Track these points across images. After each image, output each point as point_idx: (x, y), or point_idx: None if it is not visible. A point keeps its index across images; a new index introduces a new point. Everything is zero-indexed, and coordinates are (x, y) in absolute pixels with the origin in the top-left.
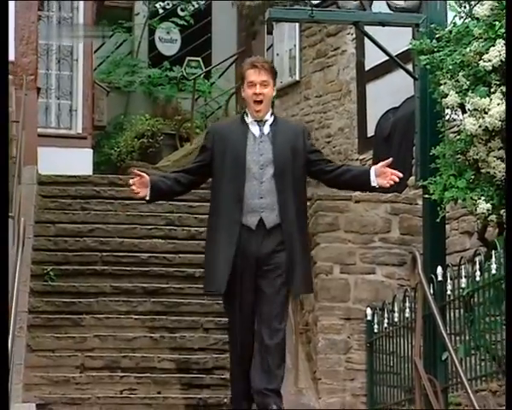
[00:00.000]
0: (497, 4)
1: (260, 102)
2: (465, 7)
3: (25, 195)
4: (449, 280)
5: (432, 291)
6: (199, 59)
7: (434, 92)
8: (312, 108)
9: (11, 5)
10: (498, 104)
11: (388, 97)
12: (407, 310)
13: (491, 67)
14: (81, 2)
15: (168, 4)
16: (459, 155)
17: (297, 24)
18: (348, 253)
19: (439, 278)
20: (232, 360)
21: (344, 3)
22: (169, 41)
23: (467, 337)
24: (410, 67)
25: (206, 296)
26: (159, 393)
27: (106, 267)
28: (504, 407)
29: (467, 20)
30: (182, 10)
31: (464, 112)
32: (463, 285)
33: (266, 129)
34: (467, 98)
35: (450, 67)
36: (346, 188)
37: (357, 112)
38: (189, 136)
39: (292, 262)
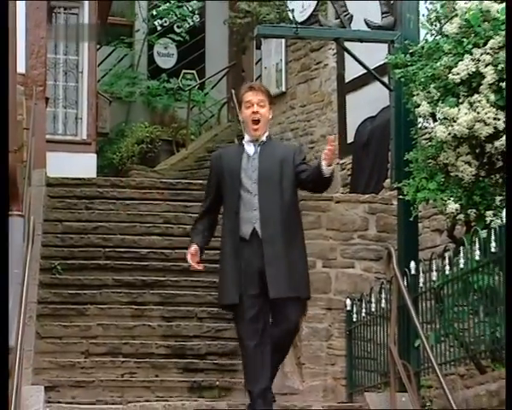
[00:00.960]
0: (464, 23)
1: (258, 121)
2: (436, 25)
3: (34, 195)
4: (421, 274)
5: (405, 284)
6: (193, 72)
7: (408, 102)
8: (297, 117)
9: (22, 22)
10: (466, 113)
11: (366, 107)
12: (383, 301)
13: (459, 80)
14: (86, 19)
15: (166, 22)
16: (430, 160)
17: (283, 40)
18: (330, 249)
19: (412, 272)
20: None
21: (326, 21)
22: (166, 55)
23: (437, 326)
24: (385, 79)
25: (201, 288)
26: (156, 376)
27: (108, 262)
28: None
29: (437, 37)
30: (178, 27)
31: (435, 120)
32: (434, 278)
33: (259, 149)
34: (437, 108)
35: (423, 79)
36: (319, 187)
37: (338, 120)
38: (184, 142)
39: (280, 267)
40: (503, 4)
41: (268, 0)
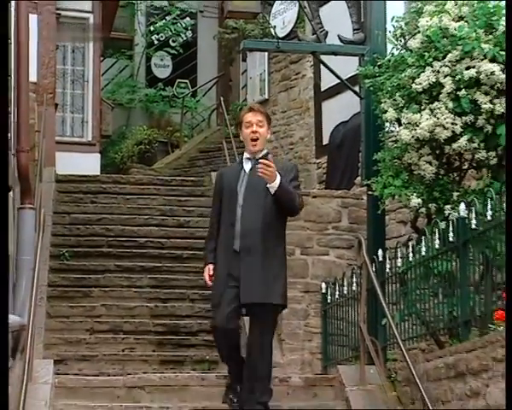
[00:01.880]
0: (426, 39)
1: (256, 139)
2: (401, 40)
3: (45, 190)
4: (387, 260)
5: (374, 269)
6: (187, 81)
7: (376, 109)
8: (278, 122)
9: (35, 37)
10: (427, 119)
11: (339, 113)
12: (354, 284)
13: (421, 89)
14: (90, 34)
15: (162, 37)
16: (396, 160)
17: (266, 53)
18: (307, 238)
19: (380, 259)
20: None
21: (304, 37)
22: (162, 66)
23: (401, 306)
24: (357, 88)
25: (192, 273)
26: (153, 351)
27: (111, 249)
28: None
29: (402, 51)
30: (173, 42)
31: (400, 125)
32: (399, 264)
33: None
34: (402, 114)
35: (389, 88)
36: (285, 207)
37: (315, 124)
38: (178, 143)
39: (255, 275)
40: (461, 22)
41: (253, 18)
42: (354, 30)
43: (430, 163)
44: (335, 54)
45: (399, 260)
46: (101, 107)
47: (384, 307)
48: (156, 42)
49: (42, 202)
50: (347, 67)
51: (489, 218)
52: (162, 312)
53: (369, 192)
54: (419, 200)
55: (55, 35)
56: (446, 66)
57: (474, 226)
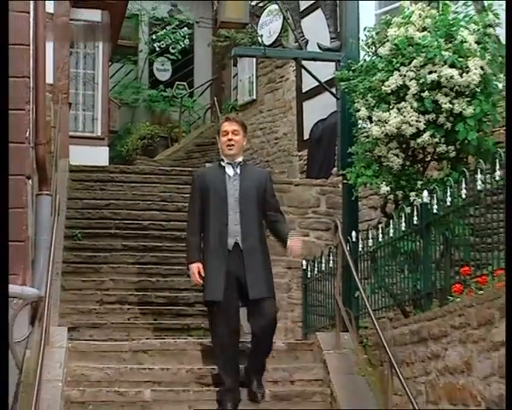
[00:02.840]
0: (394, 47)
1: (232, 145)
2: (372, 48)
3: (60, 179)
4: (360, 241)
5: (348, 248)
6: (184, 83)
7: (350, 108)
8: (265, 119)
9: (51, 44)
10: (395, 117)
11: (318, 111)
12: (331, 262)
13: (390, 91)
14: (100, 42)
15: (163, 44)
16: (367, 153)
17: (254, 59)
18: (290, 221)
19: (353, 240)
20: (216, 350)
21: (287, 44)
22: (163, 70)
23: (372, 281)
24: (334, 90)
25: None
26: (155, 320)
27: (118, 231)
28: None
29: (373, 58)
30: (172, 49)
31: (371, 122)
32: (370, 244)
33: (238, 170)
34: (373, 112)
35: (362, 90)
36: (273, 235)
37: (297, 122)
38: (177, 138)
39: (260, 273)
40: (425, 32)
41: (242, 28)
42: (331, 39)
43: (397, 156)
44: (315, 59)
45: (370, 240)
46: (109, 106)
47: (357, 281)
48: (158, 49)
49: (57, 189)
50: (325, 71)
51: (448, 203)
52: (162, 285)
53: (344, 181)
54: (388, 188)
55: (68, 42)
56: (412, 70)
57: (435, 211)
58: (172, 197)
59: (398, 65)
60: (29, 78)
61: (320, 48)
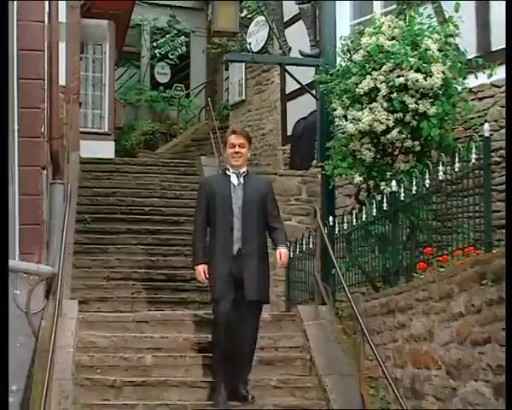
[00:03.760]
0: (366, 53)
1: (239, 157)
2: (347, 54)
3: (71, 170)
4: (336, 225)
5: (326, 231)
6: (182, 85)
7: (328, 108)
8: (253, 117)
9: (63, 50)
10: (367, 115)
11: (300, 111)
12: (311, 243)
13: (363, 92)
14: (107, 48)
15: (163, 51)
16: (343, 147)
17: (243, 64)
18: None
19: (331, 224)
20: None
21: (273, 51)
22: (163, 74)
23: (347, 260)
24: (314, 91)
25: (186, 234)
26: (156, 294)
27: (123, 216)
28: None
29: (348, 63)
30: (171, 55)
31: (346, 120)
32: (345, 228)
33: (242, 180)
34: (348, 112)
35: (338, 92)
36: (271, 240)
37: (281, 119)
38: (175, 133)
39: (256, 277)
40: (393, 41)
41: (233, 36)
42: (311, 46)
43: (369, 150)
44: (297, 64)
45: (345, 224)
46: (115, 105)
47: (333, 260)
48: (158, 55)
49: (69, 179)
50: (306, 75)
51: (414, 192)
52: (162, 264)
53: (323, 172)
54: (361, 178)
55: (78, 49)
56: (382, 74)
57: (402, 198)
58: (171, 186)
59: (370, 70)
60: (44, 80)
61: (301, 54)
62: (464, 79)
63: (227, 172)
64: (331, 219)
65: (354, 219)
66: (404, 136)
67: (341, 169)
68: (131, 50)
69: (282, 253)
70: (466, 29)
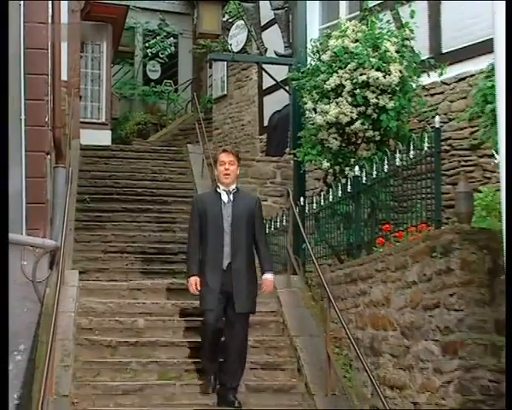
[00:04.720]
0: (333, 54)
1: (228, 175)
2: (316, 55)
3: (72, 155)
4: (307, 205)
5: (297, 211)
6: (171, 81)
7: (300, 102)
8: (234, 110)
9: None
10: (334, 109)
11: (275, 104)
12: (284, 221)
13: (330, 88)
14: (104, 48)
15: (154, 51)
16: (313, 136)
17: (225, 62)
18: (252, 189)
19: (302, 204)
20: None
21: (251, 51)
22: (154, 71)
23: (316, 235)
24: (287, 87)
25: (174, 213)
26: (148, 265)
27: (118, 196)
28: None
29: (317, 62)
30: (161, 54)
31: (316, 113)
32: (314, 207)
33: (231, 197)
34: (317, 105)
35: (308, 88)
36: (256, 254)
37: (258, 112)
38: (165, 124)
39: (246, 290)
40: (357, 43)
41: (216, 38)
42: (285, 47)
43: (336, 139)
44: (272, 63)
45: (314, 204)
46: (111, 98)
47: (304, 236)
48: (150, 54)
49: (70, 163)
50: (281, 72)
51: (374, 176)
52: (154, 239)
53: (295, 158)
54: (328, 164)
55: (79, 48)
56: (347, 73)
57: (364, 182)
58: (161, 170)
59: (336, 68)
60: (47, 75)
61: (276, 54)
62: (418, 77)
63: (217, 189)
64: (302, 199)
65: (322, 200)
66: (365, 127)
67: (311, 156)
68: (126, 50)
69: (267, 280)
70: (420, 33)
